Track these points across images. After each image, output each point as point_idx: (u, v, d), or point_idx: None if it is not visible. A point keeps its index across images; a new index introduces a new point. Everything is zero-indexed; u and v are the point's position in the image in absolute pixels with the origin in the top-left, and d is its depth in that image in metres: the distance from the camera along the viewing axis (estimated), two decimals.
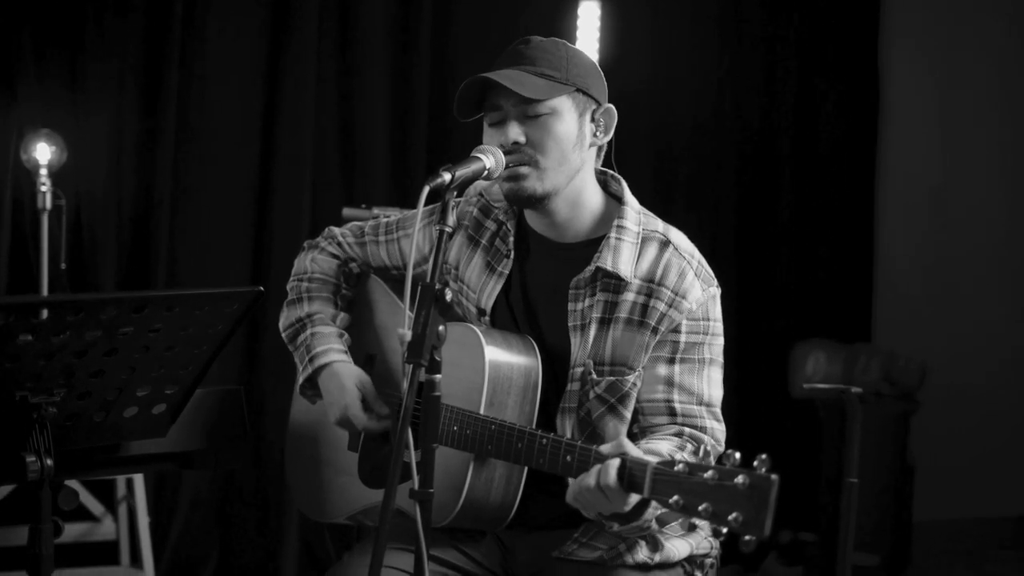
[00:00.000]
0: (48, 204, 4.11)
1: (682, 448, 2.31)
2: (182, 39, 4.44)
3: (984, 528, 5.82)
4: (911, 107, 5.83)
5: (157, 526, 4.39)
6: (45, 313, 2.05)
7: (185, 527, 4.52)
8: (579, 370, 2.40)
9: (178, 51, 4.43)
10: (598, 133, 2.44)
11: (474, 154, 2.30)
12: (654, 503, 2.04)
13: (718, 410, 2.42)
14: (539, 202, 2.39)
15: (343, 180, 4.74)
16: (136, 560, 4.30)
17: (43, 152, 4.10)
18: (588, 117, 2.42)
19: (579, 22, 4.50)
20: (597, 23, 4.50)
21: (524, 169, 2.36)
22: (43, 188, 4.09)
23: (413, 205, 4.20)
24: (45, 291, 4.09)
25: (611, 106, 2.45)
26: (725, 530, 1.89)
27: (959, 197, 5.91)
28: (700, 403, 2.39)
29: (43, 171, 4.09)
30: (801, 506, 5.10)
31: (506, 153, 2.34)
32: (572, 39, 4.45)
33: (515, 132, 2.35)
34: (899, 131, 5.80)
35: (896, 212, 5.84)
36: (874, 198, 5.77)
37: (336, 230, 2.79)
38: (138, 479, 4.20)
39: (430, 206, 2.56)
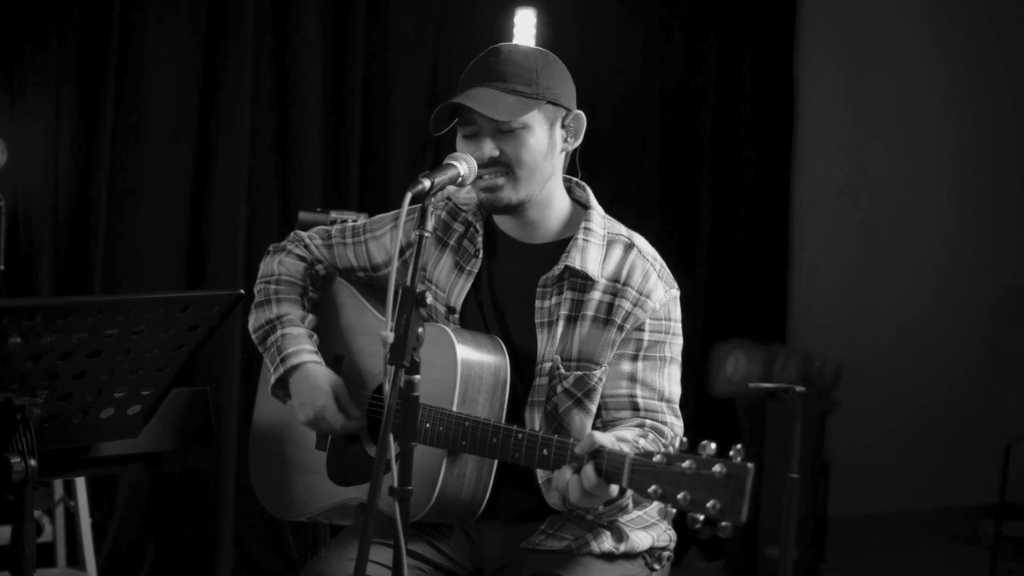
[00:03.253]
0: None
1: (644, 436, 2.41)
2: (120, 42, 4.43)
3: (896, 522, 6.02)
4: (825, 106, 5.99)
5: (93, 526, 4.38)
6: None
7: (122, 527, 4.52)
8: (547, 365, 2.49)
9: (116, 54, 4.42)
10: (568, 139, 2.54)
11: (448, 161, 2.37)
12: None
13: (677, 406, 2.53)
14: (514, 209, 2.49)
15: (279, 182, 4.76)
16: (74, 561, 4.28)
17: None
18: (558, 125, 2.50)
19: (516, 29, 4.59)
20: (533, 30, 4.60)
21: (500, 180, 2.45)
22: None
23: (348, 207, 4.25)
24: None
25: (580, 112, 2.54)
26: (702, 517, 1.99)
27: (872, 197, 6.09)
28: (661, 399, 2.50)
29: None
30: None
31: (482, 166, 2.42)
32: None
33: (489, 148, 2.43)
34: (813, 131, 5.95)
35: (811, 212, 5.99)
36: (789, 198, 5.92)
37: (303, 233, 2.84)
38: (80, 481, 4.18)
39: (395, 211, 2.63)
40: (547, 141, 2.47)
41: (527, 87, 2.44)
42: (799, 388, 3.12)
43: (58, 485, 4.27)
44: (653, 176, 5.58)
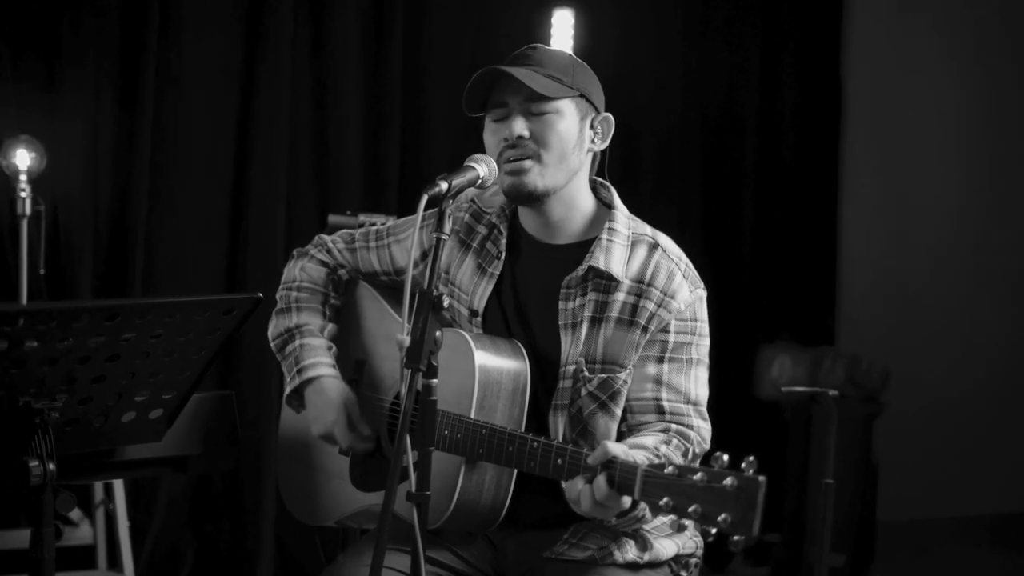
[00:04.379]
0: (28, 210, 4.12)
1: (667, 443, 2.38)
2: (158, 44, 4.46)
3: (951, 527, 5.93)
4: (875, 112, 5.93)
5: (134, 529, 4.41)
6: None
7: (162, 530, 4.54)
8: (571, 368, 2.46)
9: (154, 56, 4.45)
10: (596, 140, 2.52)
11: (467, 163, 2.35)
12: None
13: (704, 409, 2.50)
14: (538, 199, 2.46)
15: (317, 185, 4.78)
16: (114, 563, 4.31)
17: (23, 158, 4.11)
18: (588, 123, 2.50)
19: (553, 30, 4.56)
20: (571, 31, 4.57)
21: (527, 163, 2.42)
22: (23, 194, 4.10)
23: (388, 211, 4.25)
24: (24, 297, 4.10)
25: (609, 115, 2.54)
26: (714, 531, 1.95)
27: (921, 200, 6.01)
28: (687, 401, 2.46)
29: (23, 177, 4.11)
30: (767, 507, 5.16)
31: (510, 147, 2.41)
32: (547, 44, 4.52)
33: (520, 126, 2.42)
34: (863, 136, 5.89)
35: (859, 215, 5.92)
36: (837, 201, 5.86)
37: (327, 237, 2.83)
38: (118, 484, 4.21)
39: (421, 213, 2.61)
40: (577, 133, 2.47)
41: (563, 76, 2.45)
42: (833, 392, 3.06)
43: (98, 488, 4.32)
44: (695, 175, 5.53)
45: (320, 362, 2.67)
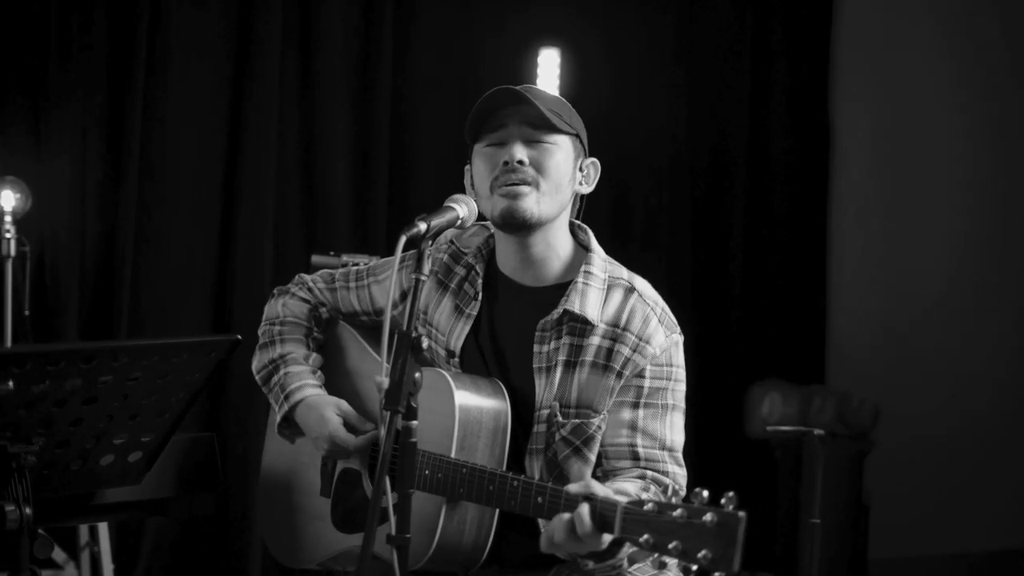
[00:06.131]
0: (12, 251, 4.12)
1: (646, 490, 2.37)
2: (144, 84, 4.48)
3: (943, 565, 5.90)
4: (863, 148, 5.94)
5: (119, 572, 4.37)
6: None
7: (147, 572, 4.51)
8: (545, 412, 2.45)
9: (141, 95, 4.47)
10: (583, 182, 2.53)
11: (447, 204, 2.35)
12: (627, 543, 2.09)
13: (680, 455, 2.48)
14: (529, 228, 2.44)
15: (305, 225, 4.78)
16: None
17: (8, 199, 4.11)
18: (579, 164, 2.51)
19: (539, 70, 4.58)
20: (557, 70, 4.59)
21: (525, 188, 2.41)
22: (7, 235, 4.10)
23: (375, 251, 4.25)
24: (9, 339, 4.09)
25: (596, 160, 2.55)
26: (695, 568, 1.94)
27: (911, 239, 6.01)
28: (663, 448, 2.45)
29: (7, 218, 4.10)
30: (758, 546, 5.15)
31: (507, 171, 2.40)
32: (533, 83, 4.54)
33: (520, 151, 2.42)
34: (852, 175, 5.90)
35: (848, 253, 5.92)
36: (826, 239, 5.87)
37: (307, 277, 2.83)
38: (103, 526, 4.18)
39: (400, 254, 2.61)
40: (570, 170, 2.48)
41: (562, 113, 2.46)
42: (819, 432, 3.05)
43: (83, 531, 4.29)
44: (685, 213, 5.53)
45: (306, 384, 2.65)
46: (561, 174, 2.44)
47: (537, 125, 2.42)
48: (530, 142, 2.43)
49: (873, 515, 5.38)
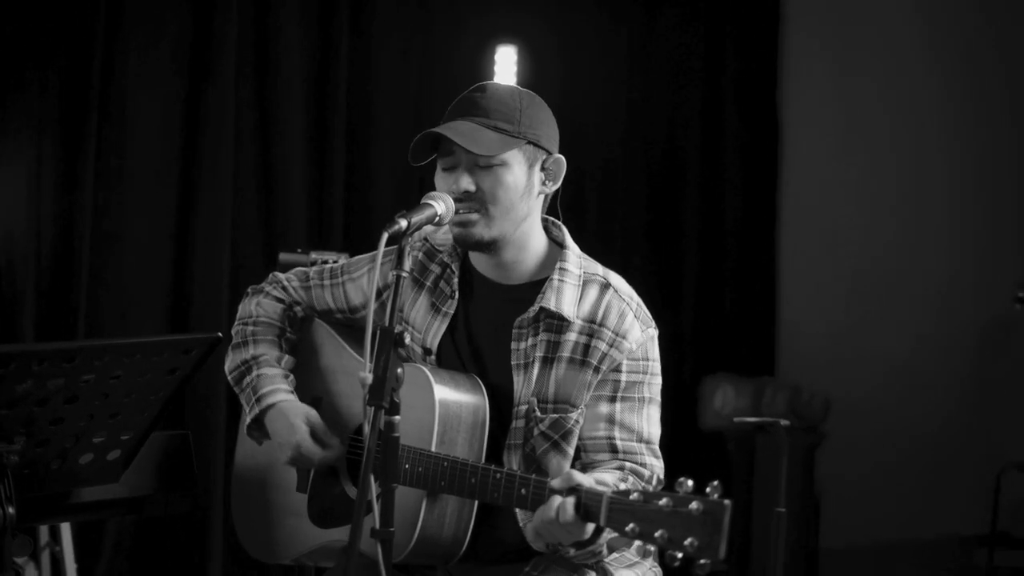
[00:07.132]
0: None
1: (624, 480, 2.41)
2: (101, 85, 4.44)
3: (889, 553, 6.00)
4: (813, 143, 6.03)
5: (81, 573, 4.35)
6: None
7: (108, 573, 4.49)
8: (523, 408, 2.48)
9: (97, 98, 4.43)
10: (547, 182, 2.53)
11: (425, 201, 2.37)
12: (606, 529, 2.13)
13: (657, 447, 2.52)
14: (487, 247, 2.48)
15: (263, 225, 4.78)
16: None
17: None
18: (538, 167, 2.50)
19: (496, 67, 4.62)
20: (514, 67, 4.63)
21: (473, 216, 2.44)
22: None
23: (333, 248, 4.25)
24: None
25: (561, 156, 2.54)
26: (680, 555, 1.98)
27: (859, 232, 6.10)
28: (640, 440, 2.49)
29: None
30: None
31: (456, 200, 2.42)
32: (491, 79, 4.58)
33: (466, 182, 2.43)
34: (799, 168, 5.99)
35: (798, 246, 6.01)
36: (776, 233, 5.95)
37: (281, 275, 2.83)
38: (65, 526, 4.15)
39: (373, 252, 2.62)
40: (525, 181, 2.47)
41: (509, 125, 2.44)
42: (784, 422, 3.12)
43: (44, 531, 4.25)
44: (640, 210, 5.60)
45: (278, 388, 2.66)
46: (512, 193, 2.44)
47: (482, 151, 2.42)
48: (477, 167, 2.43)
49: (824, 505, 5.46)
